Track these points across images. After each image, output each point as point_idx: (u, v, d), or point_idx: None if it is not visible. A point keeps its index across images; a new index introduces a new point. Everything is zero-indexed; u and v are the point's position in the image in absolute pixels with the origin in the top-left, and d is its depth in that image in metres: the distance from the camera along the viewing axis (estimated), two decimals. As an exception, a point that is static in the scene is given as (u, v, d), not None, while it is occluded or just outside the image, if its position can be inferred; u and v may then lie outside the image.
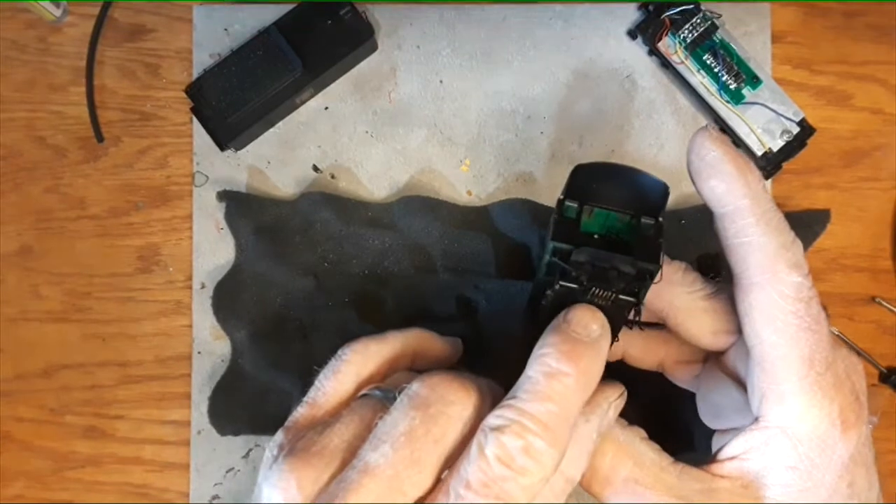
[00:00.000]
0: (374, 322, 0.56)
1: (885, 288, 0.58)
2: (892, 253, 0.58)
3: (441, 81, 0.58)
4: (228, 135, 0.55)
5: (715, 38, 0.56)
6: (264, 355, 0.56)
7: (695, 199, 0.56)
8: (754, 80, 0.56)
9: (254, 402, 0.56)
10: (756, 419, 0.39)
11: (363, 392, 0.40)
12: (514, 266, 0.56)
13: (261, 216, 0.56)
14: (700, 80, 0.56)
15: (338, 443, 0.36)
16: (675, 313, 0.42)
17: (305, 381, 0.41)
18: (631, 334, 0.45)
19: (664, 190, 0.38)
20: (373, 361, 0.41)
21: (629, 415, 0.41)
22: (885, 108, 0.58)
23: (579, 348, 0.35)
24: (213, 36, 0.58)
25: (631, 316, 0.38)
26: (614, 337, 0.38)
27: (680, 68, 0.56)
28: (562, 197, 0.38)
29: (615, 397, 0.39)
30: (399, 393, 0.37)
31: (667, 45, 0.56)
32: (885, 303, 0.58)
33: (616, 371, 0.41)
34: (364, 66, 0.58)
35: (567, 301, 0.37)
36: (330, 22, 0.55)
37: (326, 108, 0.58)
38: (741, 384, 0.41)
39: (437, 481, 0.34)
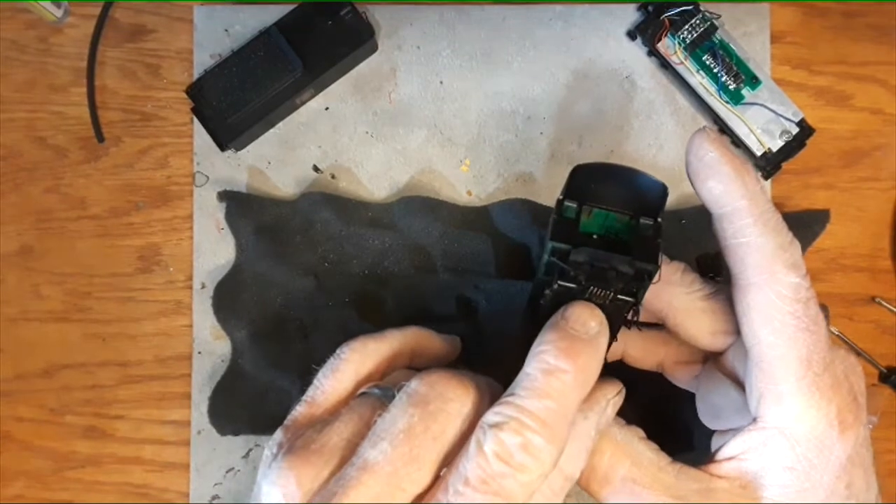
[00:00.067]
0: (375, 322, 0.56)
1: (885, 288, 0.58)
2: (891, 253, 0.58)
3: (441, 82, 0.58)
4: (229, 135, 0.55)
5: (714, 38, 0.56)
6: (264, 355, 0.56)
7: (695, 200, 0.56)
8: (753, 81, 0.56)
9: (254, 402, 0.56)
10: (754, 420, 0.39)
11: (362, 390, 0.40)
12: (514, 266, 0.56)
13: (261, 216, 0.56)
14: (699, 81, 0.56)
15: (337, 440, 0.36)
16: (673, 313, 0.42)
17: (305, 380, 0.41)
18: (630, 335, 0.45)
19: (663, 190, 0.38)
20: (371, 360, 0.41)
21: (628, 414, 0.41)
22: (885, 109, 0.58)
23: (577, 345, 0.35)
24: (213, 36, 0.58)
25: (629, 316, 0.38)
26: (613, 337, 0.38)
27: (679, 69, 0.56)
28: (561, 197, 0.38)
29: (613, 395, 0.39)
30: (398, 391, 0.37)
31: (666, 45, 0.56)
32: (884, 303, 0.58)
33: (615, 371, 0.41)
34: (364, 66, 0.58)
35: (566, 300, 0.37)
36: (330, 22, 0.55)
37: (327, 108, 0.58)
38: (740, 385, 0.41)
39: (436, 478, 0.34)
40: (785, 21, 0.58)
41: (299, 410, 0.39)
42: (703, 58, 0.56)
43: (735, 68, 0.56)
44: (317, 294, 0.56)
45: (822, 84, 0.58)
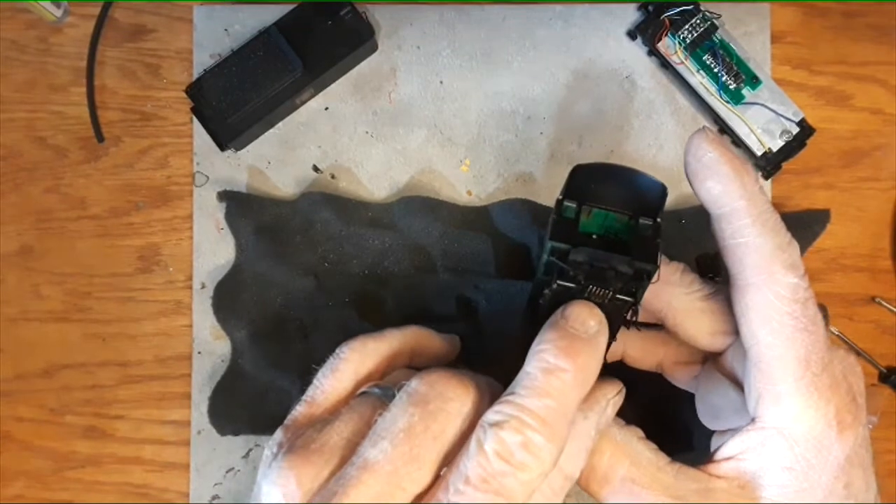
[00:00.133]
0: (375, 322, 0.56)
1: (885, 288, 0.58)
2: (891, 253, 0.58)
3: (441, 82, 0.58)
4: (229, 135, 0.55)
5: (714, 38, 0.56)
6: (264, 355, 0.56)
7: (694, 200, 0.56)
8: (754, 81, 0.56)
9: (254, 402, 0.56)
10: (753, 420, 0.39)
11: (362, 390, 0.40)
12: (514, 266, 0.56)
13: (261, 216, 0.56)
14: (700, 81, 0.56)
15: (337, 440, 0.36)
16: (673, 314, 0.42)
17: (305, 380, 0.41)
18: (630, 335, 0.45)
19: (662, 191, 0.38)
20: (371, 359, 0.41)
21: (628, 414, 0.41)
22: (885, 109, 0.58)
23: (577, 344, 0.35)
24: (213, 36, 0.58)
25: (629, 316, 0.38)
26: (612, 337, 0.38)
27: (679, 69, 0.56)
28: (560, 197, 0.38)
29: (613, 394, 0.39)
30: (398, 390, 0.37)
31: (666, 45, 0.56)
32: (884, 303, 0.58)
33: (615, 372, 0.41)
34: (364, 66, 0.58)
35: (565, 300, 0.37)
36: (330, 22, 0.55)
37: (326, 108, 0.58)
38: (739, 385, 0.41)
39: (437, 478, 0.34)
40: (785, 21, 0.58)
41: (299, 410, 0.39)
42: (704, 57, 0.56)
43: (735, 68, 0.56)
44: (317, 294, 0.56)
45: (823, 84, 0.58)
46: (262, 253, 0.56)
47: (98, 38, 0.58)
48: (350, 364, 0.40)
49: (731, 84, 0.56)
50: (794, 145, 0.56)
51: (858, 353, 0.57)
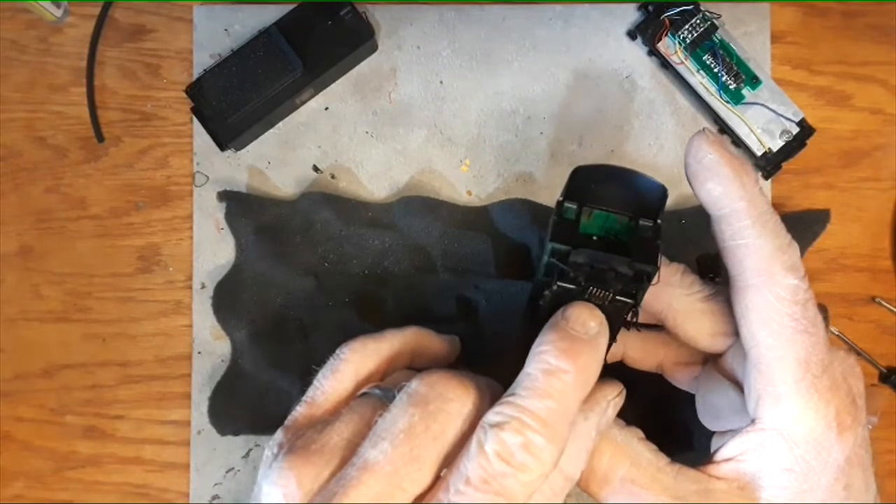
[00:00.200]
0: (375, 322, 0.56)
1: (885, 288, 0.58)
2: (891, 253, 0.58)
3: (441, 82, 0.58)
4: (229, 135, 0.55)
5: (714, 38, 0.56)
6: (264, 355, 0.56)
7: (694, 200, 0.55)
8: (754, 81, 0.56)
9: (254, 402, 0.56)
10: (753, 421, 0.39)
11: (363, 391, 0.40)
12: (514, 266, 0.56)
13: (261, 216, 0.56)
14: (700, 81, 0.56)
15: (337, 440, 0.36)
16: (673, 315, 0.42)
17: (305, 380, 0.41)
18: (630, 336, 0.45)
19: (663, 192, 0.38)
20: (371, 360, 0.41)
21: (628, 415, 0.41)
22: (885, 108, 0.58)
23: (577, 345, 0.35)
24: (213, 36, 0.58)
25: (629, 317, 0.38)
26: (612, 338, 0.38)
27: (679, 69, 0.56)
28: (561, 198, 0.38)
29: (614, 395, 0.39)
30: (398, 391, 0.37)
31: (666, 45, 0.56)
32: (884, 303, 0.58)
33: (615, 372, 0.41)
34: (364, 66, 0.58)
35: (565, 302, 0.37)
36: (330, 22, 0.55)
37: (327, 108, 0.58)
38: (739, 386, 0.41)
39: (437, 478, 0.34)
40: (785, 21, 0.58)
41: (299, 411, 0.39)
42: (704, 57, 0.56)
43: (735, 68, 0.56)
44: (317, 294, 0.56)
45: (823, 84, 0.58)
46: (262, 253, 0.56)
47: (98, 38, 0.58)
48: (350, 365, 0.40)
49: (731, 84, 0.56)
50: (794, 145, 0.56)
51: (858, 353, 0.57)
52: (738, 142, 0.56)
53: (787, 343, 0.36)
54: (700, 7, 0.56)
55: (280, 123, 0.57)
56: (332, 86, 0.58)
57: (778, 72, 0.58)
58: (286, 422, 0.39)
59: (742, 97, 0.56)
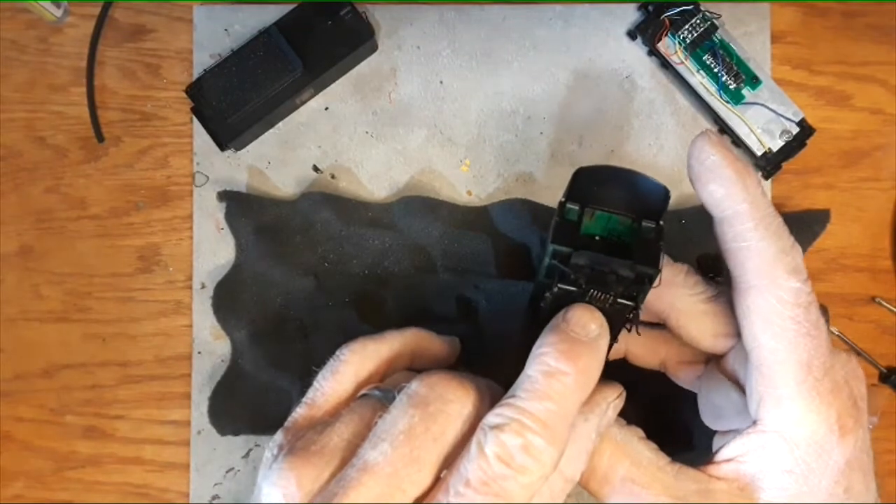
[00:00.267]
0: (375, 322, 0.56)
1: (885, 288, 0.58)
2: (891, 253, 0.58)
3: (441, 82, 0.58)
4: (229, 135, 0.55)
5: (714, 38, 0.56)
6: (264, 355, 0.56)
7: (695, 200, 0.55)
8: (754, 81, 0.56)
9: (254, 402, 0.56)
10: (754, 422, 0.39)
11: (363, 392, 0.40)
12: (514, 266, 0.56)
13: (261, 216, 0.56)
14: (700, 81, 0.56)
15: (337, 441, 0.36)
16: (675, 315, 0.42)
17: (305, 381, 0.41)
18: (633, 334, 0.45)
19: (665, 194, 0.38)
20: (371, 361, 0.41)
21: (628, 414, 0.41)
22: (885, 108, 0.58)
23: (578, 348, 0.35)
24: (213, 36, 0.58)
25: (629, 321, 0.38)
26: (613, 340, 0.38)
27: (679, 69, 0.56)
28: (563, 199, 0.38)
29: (614, 397, 0.39)
30: (398, 392, 0.37)
31: (666, 45, 0.56)
32: (884, 303, 0.58)
33: (618, 368, 0.41)
34: (364, 66, 0.58)
35: (566, 303, 0.37)
36: (330, 22, 0.55)
37: (327, 108, 0.58)
38: (741, 387, 0.41)
39: (437, 480, 0.34)
40: (785, 21, 0.58)
41: (299, 412, 0.40)
42: (704, 57, 0.56)
43: (735, 68, 0.56)
44: (317, 294, 0.56)
45: (823, 84, 0.58)
46: (262, 253, 0.56)
47: (98, 38, 0.58)
48: (350, 366, 0.40)
49: (731, 84, 0.56)
50: (794, 145, 0.56)
51: (858, 353, 0.57)
52: (738, 142, 0.56)
53: (788, 346, 0.36)
54: (700, 7, 0.56)
55: (280, 123, 0.57)
56: (332, 86, 0.58)
57: (778, 72, 0.58)
58: (286, 423, 0.39)
59: (742, 97, 0.56)
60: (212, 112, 0.54)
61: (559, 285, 0.36)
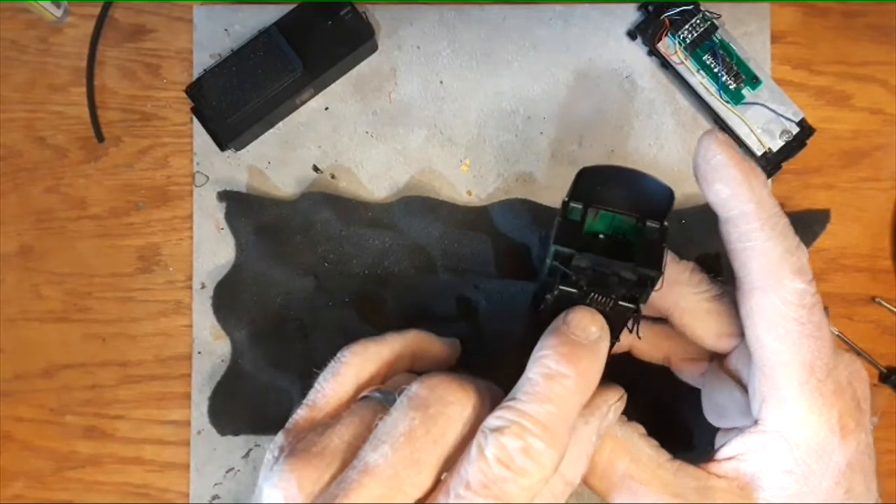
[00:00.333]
0: (375, 322, 0.56)
1: (885, 288, 0.58)
2: (891, 253, 0.58)
3: (441, 82, 0.58)
4: (229, 135, 0.55)
5: (714, 38, 0.56)
6: (264, 355, 0.56)
7: (696, 200, 0.56)
8: (754, 81, 0.56)
9: (254, 402, 0.56)
10: (755, 422, 0.39)
11: (363, 394, 0.40)
12: (514, 266, 0.56)
13: (261, 216, 0.56)
14: (700, 81, 0.56)
15: (338, 443, 0.36)
16: (679, 313, 0.42)
17: (305, 381, 0.41)
18: (641, 327, 0.45)
19: (670, 194, 0.37)
20: (372, 363, 0.41)
21: (629, 414, 0.41)
22: (885, 109, 0.58)
23: (578, 350, 0.35)
24: (213, 36, 0.58)
25: (630, 323, 0.38)
26: (614, 341, 0.38)
27: (680, 69, 0.56)
28: (566, 199, 0.38)
29: (615, 400, 0.39)
30: (399, 394, 0.37)
31: (666, 45, 0.56)
32: (884, 303, 0.58)
33: (621, 363, 0.41)
34: (364, 66, 0.58)
35: (566, 305, 0.37)
36: (330, 22, 0.55)
37: (327, 108, 0.58)
38: (744, 385, 0.41)
39: (437, 482, 0.34)
40: (785, 21, 0.58)
41: (300, 414, 0.40)
42: (704, 57, 0.56)
43: (735, 68, 0.56)
44: (317, 294, 0.56)
45: (823, 84, 0.58)
46: (262, 253, 0.56)
47: (98, 38, 0.58)
48: (351, 368, 0.40)
49: (731, 84, 0.56)
50: (794, 145, 0.56)
51: (858, 353, 0.57)
52: (738, 142, 0.56)
53: (792, 347, 0.36)
54: (700, 7, 0.56)
55: (280, 123, 0.57)
56: (332, 86, 0.58)
57: (778, 72, 0.58)
58: (287, 425, 0.39)
59: (742, 97, 0.56)
60: (212, 112, 0.54)
61: (560, 287, 0.36)
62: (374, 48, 0.57)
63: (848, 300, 0.58)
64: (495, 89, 0.58)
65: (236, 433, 0.56)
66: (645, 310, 0.38)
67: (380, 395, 0.39)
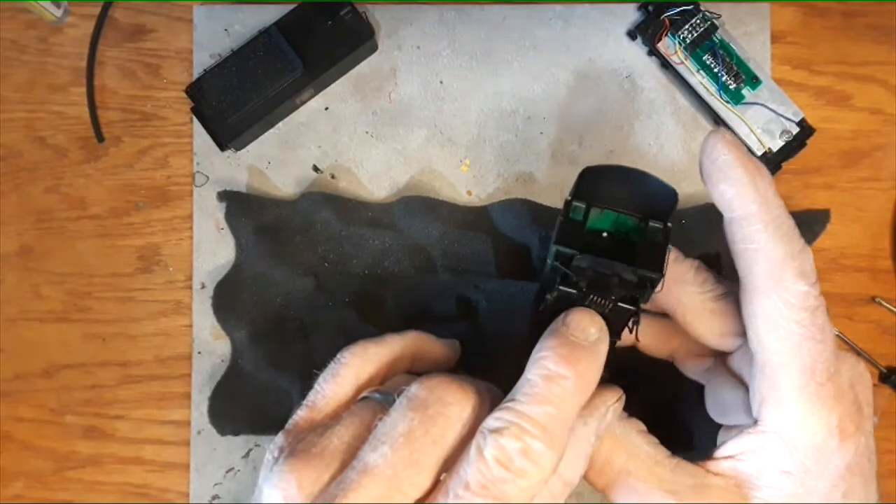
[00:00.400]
0: (375, 322, 0.56)
1: (885, 288, 0.58)
2: (891, 253, 0.58)
3: (441, 82, 0.58)
4: (229, 135, 0.55)
5: (714, 38, 0.56)
6: (264, 355, 0.56)
7: (696, 199, 0.56)
8: (754, 81, 0.56)
9: (254, 402, 0.56)
10: (755, 422, 0.39)
11: (363, 395, 0.40)
12: (514, 266, 0.56)
13: (261, 216, 0.56)
14: (700, 81, 0.56)
15: (337, 444, 0.36)
16: (683, 312, 0.42)
17: (305, 382, 0.41)
18: (645, 323, 0.45)
19: (673, 195, 0.37)
20: (371, 364, 0.41)
21: (630, 412, 0.41)
22: (885, 108, 0.58)
23: (577, 352, 0.35)
24: (213, 36, 0.58)
25: (630, 324, 0.38)
26: (614, 343, 0.38)
27: (680, 69, 0.56)
28: (569, 198, 0.38)
29: (613, 401, 0.39)
30: (398, 395, 0.37)
31: (666, 45, 0.56)
32: (884, 303, 0.58)
33: (625, 360, 0.41)
34: (364, 66, 0.58)
35: (566, 306, 0.37)
36: (330, 22, 0.55)
37: (327, 108, 0.58)
38: (747, 384, 0.41)
39: (436, 482, 0.34)
40: (785, 21, 0.58)
41: (300, 415, 0.40)
42: (704, 57, 0.56)
43: (735, 68, 0.56)
44: (317, 294, 0.56)
45: (823, 84, 0.58)
46: (262, 253, 0.56)
47: (98, 38, 0.58)
48: (351, 369, 0.40)
49: (731, 84, 0.56)
50: (794, 145, 0.56)
51: (858, 353, 0.57)
52: (738, 142, 0.56)
53: (793, 349, 0.36)
54: (700, 7, 0.56)
55: (280, 123, 0.57)
56: (332, 86, 0.58)
57: (778, 72, 0.58)
58: (287, 425, 0.39)
59: (742, 97, 0.56)
60: (212, 112, 0.54)
61: (560, 287, 0.36)
62: (374, 48, 0.57)
63: (848, 300, 0.58)
64: (495, 89, 0.58)
65: (236, 433, 0.57)
66: (648, 308, 0.38)
67: (379, 396, 0.39)
